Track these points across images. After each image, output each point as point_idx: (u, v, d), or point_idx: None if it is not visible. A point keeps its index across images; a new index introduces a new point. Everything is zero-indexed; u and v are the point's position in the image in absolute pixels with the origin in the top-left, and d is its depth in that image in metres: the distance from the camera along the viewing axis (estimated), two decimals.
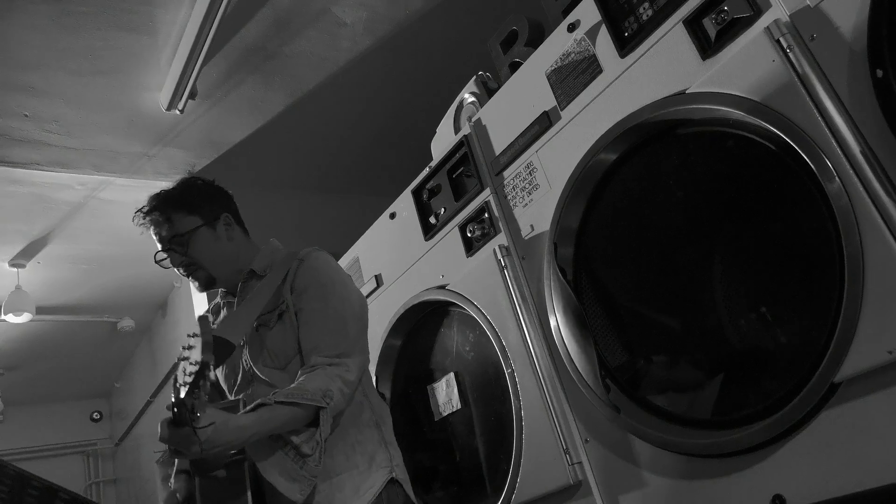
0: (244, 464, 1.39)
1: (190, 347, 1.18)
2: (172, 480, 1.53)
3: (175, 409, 1.18)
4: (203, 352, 1.15)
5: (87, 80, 2.63)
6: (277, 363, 1.52)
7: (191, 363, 1.16)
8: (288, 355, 1.51)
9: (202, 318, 1.21)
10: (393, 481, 1.47)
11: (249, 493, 1.38)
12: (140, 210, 1.62)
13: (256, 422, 1.30)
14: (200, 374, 1.14)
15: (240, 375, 1.58)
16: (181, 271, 1.61)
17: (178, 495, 1.51)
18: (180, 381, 1.18)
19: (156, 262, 1.61)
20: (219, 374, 1.66)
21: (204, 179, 1.72)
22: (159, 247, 1.60)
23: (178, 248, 1.58)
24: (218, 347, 1.36)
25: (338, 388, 1.38)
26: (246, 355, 1.56)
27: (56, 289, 4.29)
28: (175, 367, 1.20)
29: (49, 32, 2.37)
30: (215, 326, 1.58)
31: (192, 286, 1.65)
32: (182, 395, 1.15)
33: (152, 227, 1.60)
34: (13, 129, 2.79)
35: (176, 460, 1.53)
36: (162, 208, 1.60)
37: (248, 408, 1.34)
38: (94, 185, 3.29)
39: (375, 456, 1.47)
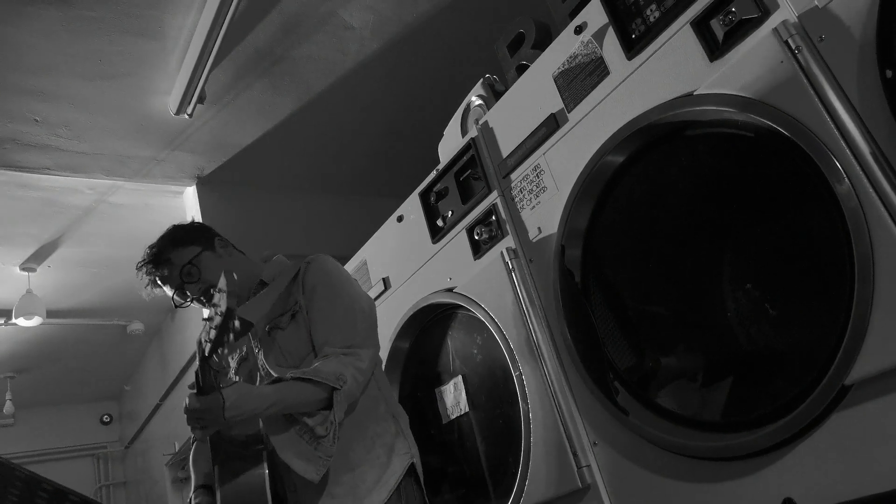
0: (262, 452, 1.45)
1: (215, 305, 1.24)
2: (192, 494, 1.55)
3: (199, 372, 1.25)
4: (228, 300, 1.20)
5: (96, 85, 2.65)
6: (291, 362, 1.55)
7: (217, 314, 1.22)
8: (301, 354, 1.55)
9: (227, 273, 1.25)
10: (413, 469, 1.51)
11: (267, 482, 1.41)
12: (138, 265, 1.65)
13: (275, 392, 1.36)
14: (225, 324, 1.20)
15: (257, 378, 1.61)
16: (203, 300, 1.62)
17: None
18: (204, 338, 1.24)
19: (175, 307, 1.66)
20: (236, 380, 1.67)
21: (183, 222, 1.78)
22: (170, 292, 1.64)
23: (189, 279, 1.61)
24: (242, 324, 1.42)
25: (351, 374, 1.42)
26: (261, 357, 1.60)
27: (66, 292, 4.32)
28: (201, 333, 1.28)
29: (59, 37, 2.39)
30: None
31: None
32: (206, 352, 1.22)
33: (157, 277, 1.63)
34: (23, 134, 2.82)
35: (192, 473, 1.56)
36: (158, 255, 1.64)
37: (267, 381, 1.41)
38: (103, 189, 3.31)
39: (395, 446, 1.52)
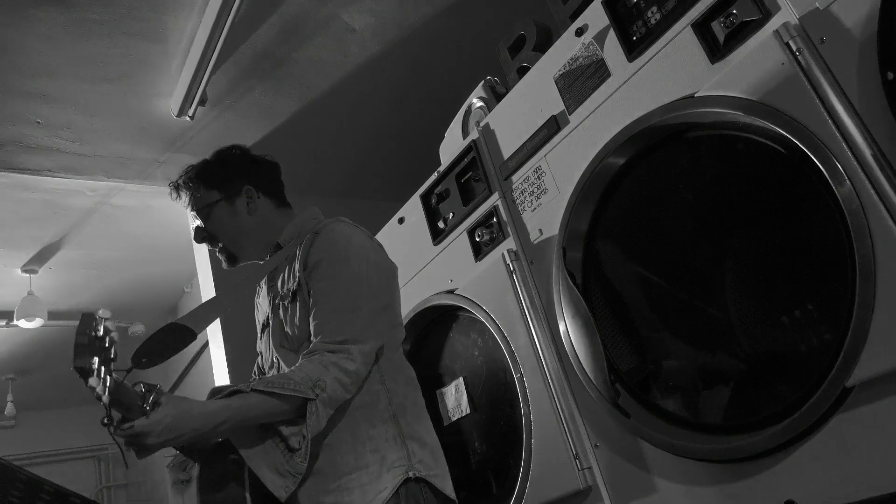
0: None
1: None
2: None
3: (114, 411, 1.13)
4: (74, 356, 1.06)
5: (98, 88, 2.65)
6: (291, 345, 1.43)
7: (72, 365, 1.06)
8: (300, 338, 1.41)
9: (84, 316, 1.11)
10: (413, 480, 1.32)
11: (248, 482, 1.32)
12: (170, 182, 1.61)
13: (225, 409, 1.22)
14: (83, 380, 1.05)
15: (270, 353, 1.51)
16: (209, 246, 1.58)
17: None
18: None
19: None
20: (264, 349, 1.58)
21: (241, 149, 1.66)
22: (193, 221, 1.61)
23: (199, 222, 1.57)
24: (175, 335, 1.31)
25: (333, 378, 1.27)
26: (270, 336, 1.50)
27: (68, 294, 4.32)
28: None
29: (61, 40, 2.40)
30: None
31: (221, 261, 1.61)
32: (99, 397, 1.08)
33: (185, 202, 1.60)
34: (26, 136, 2.82)
35: (195, 466, 1.51)
36: (185, 183, 1.58)
37: (222, 394, 1.26)
38: (105, 191, 3.32)
39: (388, 455, 1.33)
